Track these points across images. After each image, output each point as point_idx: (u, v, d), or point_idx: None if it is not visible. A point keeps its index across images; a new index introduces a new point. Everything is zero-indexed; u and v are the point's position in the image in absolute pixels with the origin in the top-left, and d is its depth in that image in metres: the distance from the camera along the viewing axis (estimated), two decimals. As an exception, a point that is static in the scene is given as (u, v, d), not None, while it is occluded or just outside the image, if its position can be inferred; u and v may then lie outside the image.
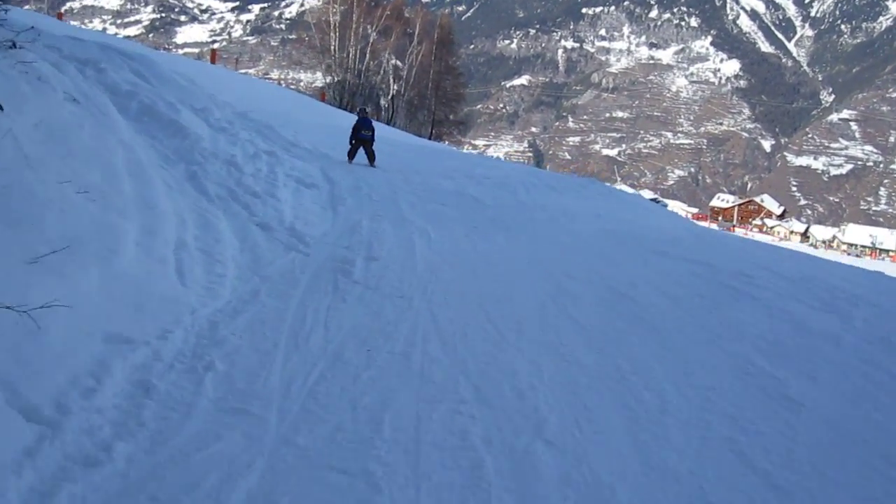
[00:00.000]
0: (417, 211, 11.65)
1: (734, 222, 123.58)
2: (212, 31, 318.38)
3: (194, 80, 15.65)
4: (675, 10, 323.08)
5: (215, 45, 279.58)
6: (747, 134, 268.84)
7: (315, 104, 37.63)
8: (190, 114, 11.40)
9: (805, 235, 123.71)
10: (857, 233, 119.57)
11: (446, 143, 57.83)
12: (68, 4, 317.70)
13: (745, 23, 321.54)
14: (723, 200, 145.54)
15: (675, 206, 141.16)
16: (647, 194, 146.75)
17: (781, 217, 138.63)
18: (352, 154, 15.89)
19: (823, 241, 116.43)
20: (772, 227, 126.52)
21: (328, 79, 56.00)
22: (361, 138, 15.88)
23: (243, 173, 10.01)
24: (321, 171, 13.44)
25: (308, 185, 11.58)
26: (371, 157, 15.90)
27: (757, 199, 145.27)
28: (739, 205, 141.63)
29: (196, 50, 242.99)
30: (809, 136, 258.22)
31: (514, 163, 33.66)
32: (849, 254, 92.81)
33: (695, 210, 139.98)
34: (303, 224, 9.18)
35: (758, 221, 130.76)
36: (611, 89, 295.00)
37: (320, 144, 16.52)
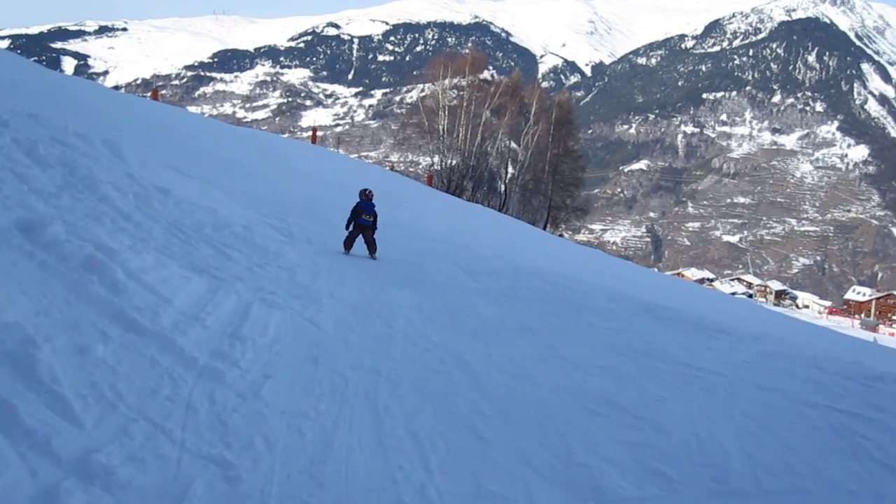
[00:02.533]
0: None
1: (873, 319, 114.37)
2: (335, 115, 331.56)
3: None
4: (800, 94, 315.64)
5: (338, 129, 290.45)
6: (877, 221, 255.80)
7: (412, 187, 35.68)
8: None
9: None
10: None
11: (565, 235, 54.97)
12: (202, 89, 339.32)
13: (874, 108, 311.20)
14: (859, 293, 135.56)
15: (805, 297, 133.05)
16: (775, 285, 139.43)
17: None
18: (349, 243, 13.58)
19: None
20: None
21: (438, 162, 53.79)
22: (360, 224, 13.71)
23: None
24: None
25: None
26: (371, 247, 13.68)
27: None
28: (877, 298, 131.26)
29: (319, 133, 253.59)
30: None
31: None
32: None
33: (828, 303, 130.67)
34: None
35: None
36: (732, 174, 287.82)
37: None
